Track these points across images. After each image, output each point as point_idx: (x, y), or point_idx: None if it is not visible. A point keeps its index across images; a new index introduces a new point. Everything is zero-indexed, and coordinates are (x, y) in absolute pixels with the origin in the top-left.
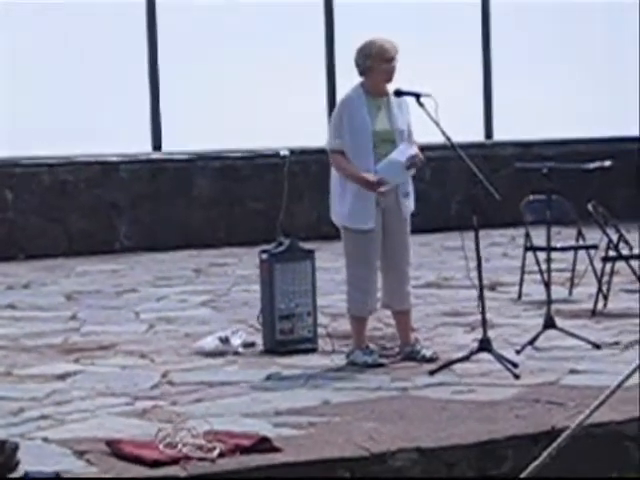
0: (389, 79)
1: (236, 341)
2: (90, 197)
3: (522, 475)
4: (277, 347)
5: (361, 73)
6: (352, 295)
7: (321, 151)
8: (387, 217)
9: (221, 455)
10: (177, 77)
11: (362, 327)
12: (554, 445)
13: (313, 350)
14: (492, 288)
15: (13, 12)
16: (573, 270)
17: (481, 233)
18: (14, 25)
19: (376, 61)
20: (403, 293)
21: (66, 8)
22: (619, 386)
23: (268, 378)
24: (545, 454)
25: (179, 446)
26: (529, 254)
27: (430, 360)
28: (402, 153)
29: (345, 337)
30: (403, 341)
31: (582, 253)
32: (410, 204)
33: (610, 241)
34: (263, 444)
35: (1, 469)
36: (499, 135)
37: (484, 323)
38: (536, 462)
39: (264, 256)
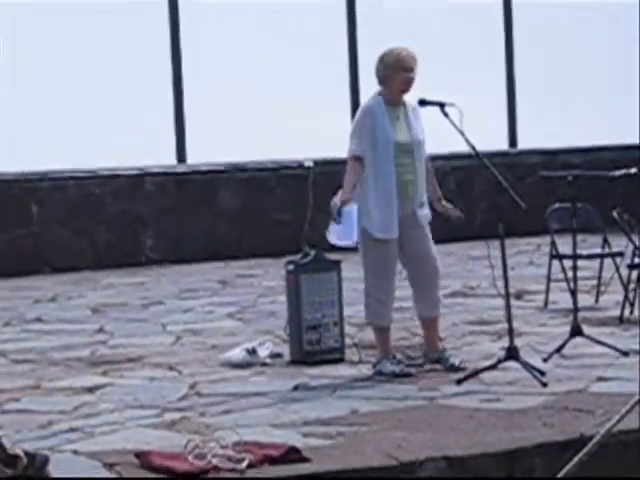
0: (406, 89)
1: (263, 352)
2: (116, 210)
3: None
4: (304, 357)
5: (380, 82)
6: (371, 306)
7: (345, 162)
8: (404, 227)
9: (250, 466)
10: (201, 89)
11: (386, 337)
12: (583, 451)
13: (340, 360)
14: (518, 296)
15: (36, 23)
16: (599, 278)
17: (507, 242)
18: (40, 36)
19: (393, 70)
20: (433, 300)
21: (92, 21)
22: None
23: (296, 388)
24: (573, 461)
25: (208, 457)
26: (555, 262)
27: (458, 369)
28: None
29: (372, 347)
30: (430, 348)
31: (608, 260)
32: (426, 212)
33: (636, 248)
34: (292, 454)
35: None
36: (523, 144)
37: (511, 331)
38: (564, 470)
39: (290, 267)
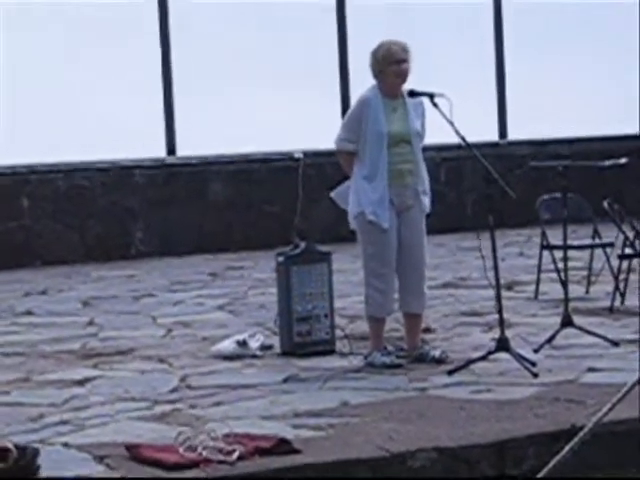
0: (402, 81)
1: (254, 344)
2: (105, 202)
3: (541, 473)
4: (295, 349)
5: (375, 77)
6: (371, 297)
7: (334, 153)
8: (404, 216)
9: (241, 457)
10: (190, 81)
11: (380, 328)
12: (574, 441)
13: (331, 352)
14: (509, 287)
15: (29, 16)
16: (590, 268)
17: (497, 233)
18: (28, 28)
19: (385, 64)
20: (421, 294)
21: (79, 13)
22: (636, 384)
23: (286, 380)
24: (564, 451)
25: (199, 449)
26: (545, 253)
27: (440, 360)
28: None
29: (363, 339)
30: (411, 345)
31: (598, 251)
32: (427, 202)
33: (626, 238)
34: (283, 446)
35: (22, 474)
36: (513, 134)
37: (501, 322)
38: (555, 460)
39: (280, 259)
